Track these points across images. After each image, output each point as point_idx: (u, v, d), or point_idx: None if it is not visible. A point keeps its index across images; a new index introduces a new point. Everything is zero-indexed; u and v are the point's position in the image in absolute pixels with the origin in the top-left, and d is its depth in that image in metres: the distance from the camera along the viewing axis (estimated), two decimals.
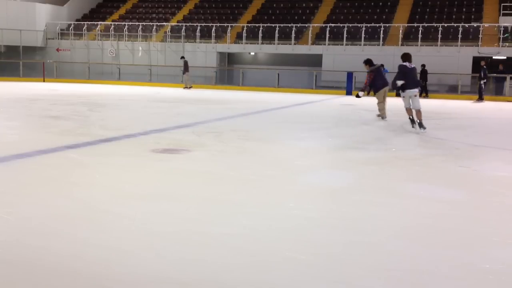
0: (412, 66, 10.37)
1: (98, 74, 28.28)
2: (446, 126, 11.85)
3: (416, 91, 10.26)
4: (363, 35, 25.59)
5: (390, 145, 8.47)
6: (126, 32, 29.48)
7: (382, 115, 12.26)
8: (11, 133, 8.65)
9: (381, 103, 12.33)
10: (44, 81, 26.84)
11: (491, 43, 24.21)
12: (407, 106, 10.38)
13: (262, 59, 29.29)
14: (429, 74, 22.88)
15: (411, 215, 4.34)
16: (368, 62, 12.64)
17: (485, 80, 21.00)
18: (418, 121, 10.14)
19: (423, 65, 22.16)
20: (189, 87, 24.36)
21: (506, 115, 15.64)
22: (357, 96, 12.40)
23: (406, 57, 10.52)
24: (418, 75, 22.38)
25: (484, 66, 20.84)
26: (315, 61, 26.39)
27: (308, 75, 25.84)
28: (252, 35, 27.88)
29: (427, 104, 18.56)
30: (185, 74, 24.68)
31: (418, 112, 10.10)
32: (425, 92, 22.49)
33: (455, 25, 24.88)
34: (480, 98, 21.00)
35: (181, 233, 3.70)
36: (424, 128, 9.93)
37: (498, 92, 23.12)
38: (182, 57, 25.33)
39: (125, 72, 27.86)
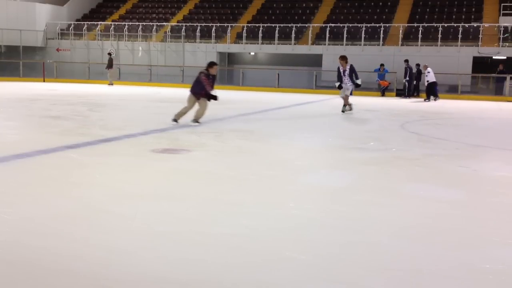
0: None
1: (98, 74, 28.26)
2: (446, 126, 11.85)
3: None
4: (363, 35, 25.58)
5: (390, 145, 8.46)
6: (126, 32, 29.48)
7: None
8: (11, 133, 8.65)
9: None
10: (44, 81, 26.83)
11: (491, 43, 24.20)
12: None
13: (262, 59, 29.28)
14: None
15: (411, 215, 4.34)
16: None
17: (407, 79, 21.70)
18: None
19: (418, 65, 22.27)
20: (111, 84, 25.03)
21: (506, 115, 15.64)
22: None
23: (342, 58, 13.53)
24: (414, 75, 22.61)
25: (408, 65, 21.73)
26: (315, 61, 26.38)
27: (308, 75, 25.83)
28: (252, 35, 27.87)
29: (426, 104, 18.58)
30: (109, 70, 25.44)
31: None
32: (416, 92, 22.53)
33: (455, 25, 24.87)
34: (407, 96, 21.79)
35: (181, 233, 3.70)
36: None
37: (498, 92, 23.13)
38: (109, 53, 26.06)
39: (125, 72, 27.85)
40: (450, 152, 7.99)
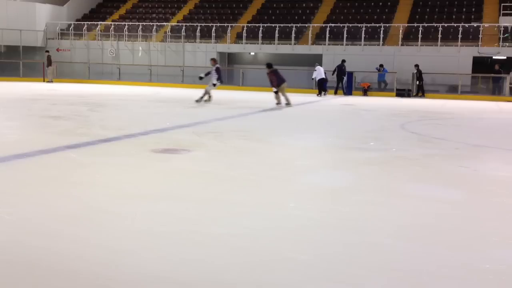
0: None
1: (98, 74, 28.26)
2: (446, 126, 11.85)
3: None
4: (363, 35, 25.59)
5: (390, 145, 8.46)
6: (126, 32, 29.48)
7: (278, 102, 15.56)
8: (11, 133, 8.65)
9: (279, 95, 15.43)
10: (44, 81, 26.83)
11: (491, 43, 24.21)
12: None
13: (262, 59, 29.26)
14: (429, 74, 23.00)
15: (411, 215, 4.33)
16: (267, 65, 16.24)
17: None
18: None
19: (417, 65, 22.33)
20: (51, 81, 26.15)
21: (506, 115, 15.65)
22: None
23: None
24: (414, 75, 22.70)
25: (343, 64, 23.05)
26: (315, 61, 26.37)
27: (308, 75, 25.82)
28: (252, 35, 27.87)
29: (426, 104, 18.59)
30: (48, 68, 26.65)
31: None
32: (421, 92, 22.57)
33: (455, 25, 24.87)
34: (345, 93, 23.11)
35: (181, 233, 3.70)
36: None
37: (498, 92, 23.14)
38: (47, 51, 27.58)
39: (125, 72, 27.86)
40: (450, 152, 7.99)
